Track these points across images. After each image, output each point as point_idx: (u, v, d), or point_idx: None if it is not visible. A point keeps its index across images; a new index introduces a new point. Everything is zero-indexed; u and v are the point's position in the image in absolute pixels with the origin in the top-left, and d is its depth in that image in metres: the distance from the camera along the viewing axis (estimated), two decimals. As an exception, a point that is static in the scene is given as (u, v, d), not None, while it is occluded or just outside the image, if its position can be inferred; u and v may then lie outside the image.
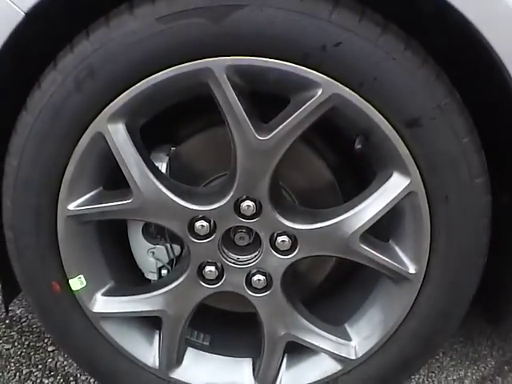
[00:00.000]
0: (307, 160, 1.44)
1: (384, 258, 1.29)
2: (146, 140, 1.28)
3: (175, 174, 1.38)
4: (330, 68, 1.12)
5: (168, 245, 1.43)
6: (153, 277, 1.47)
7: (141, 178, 1.23)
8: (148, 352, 1.46)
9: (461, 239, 1.25)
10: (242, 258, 1.35)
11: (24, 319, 1.98)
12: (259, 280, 1.34)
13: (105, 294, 1.40)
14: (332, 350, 1.41)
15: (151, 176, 1.24)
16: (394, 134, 1.17)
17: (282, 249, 1.30)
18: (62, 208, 1.27)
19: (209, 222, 1.28)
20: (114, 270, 1.43)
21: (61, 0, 1.11)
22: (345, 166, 1.50)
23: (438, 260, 1.27)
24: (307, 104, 1.14)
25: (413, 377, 1.80)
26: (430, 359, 1.51)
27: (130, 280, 1.48)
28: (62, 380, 1.73)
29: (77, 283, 1.35)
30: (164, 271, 1.46)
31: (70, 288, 1.35)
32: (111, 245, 1.44)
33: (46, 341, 1.88)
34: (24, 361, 1.79)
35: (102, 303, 1.39)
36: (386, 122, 1.16)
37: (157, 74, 1.14)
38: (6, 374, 1.74)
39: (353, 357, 1.40)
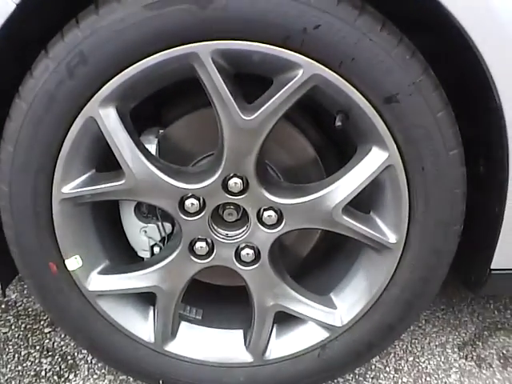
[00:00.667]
0: (291, 138, 1.47)
1: (366, 228, 1.32)
2: (136, 123, 1.30)
3: (165, 155, 1.40)
4: (310, 50, 1.14)
5: (159, 223, 1.46)
6: (145, 255, 1.50)
7: (132, 160, 1.25)
8: (143, 327, 1.49)
9: (437, 209, 1.29)
10: (230, 233, 1.38)
11: (19, 303, 1.99)
12: (248, 254, 1.37)
13: (100, 273, 1.42)
14: (319, 319, 1.45)
15: (142, 158, 1.26)
16: (372, 110, 1.20)
17: (268, 223, 1.34)
18: (56, 191, 1.29)
19: (198, 199, 1.31)
20: (109, 249, 1.46)
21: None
22: (327, 142, 1.53)
23: (416, 229, 1.31)
24: (289, 84, 1.17)
25: (397, 343, 1.85)
26: (412, 323, 1.54)
27: (124, 259, 1.51)
28: (59, 359, 1.76)
29: (73, 263, 1.37)
30: (156, 249, 1.49)
31: (67, 268, 1.38)
32: (105, 225, 1.46)
33: (42, 323, 1.90)
34: (22, 343, 1.82)
35: (97, 282, 1.42)
36: (365, 100, 1.19)
37: (145, 60, 1.16)
38: (4, 356, 1.76)
39: (339, 324, 1.44)
